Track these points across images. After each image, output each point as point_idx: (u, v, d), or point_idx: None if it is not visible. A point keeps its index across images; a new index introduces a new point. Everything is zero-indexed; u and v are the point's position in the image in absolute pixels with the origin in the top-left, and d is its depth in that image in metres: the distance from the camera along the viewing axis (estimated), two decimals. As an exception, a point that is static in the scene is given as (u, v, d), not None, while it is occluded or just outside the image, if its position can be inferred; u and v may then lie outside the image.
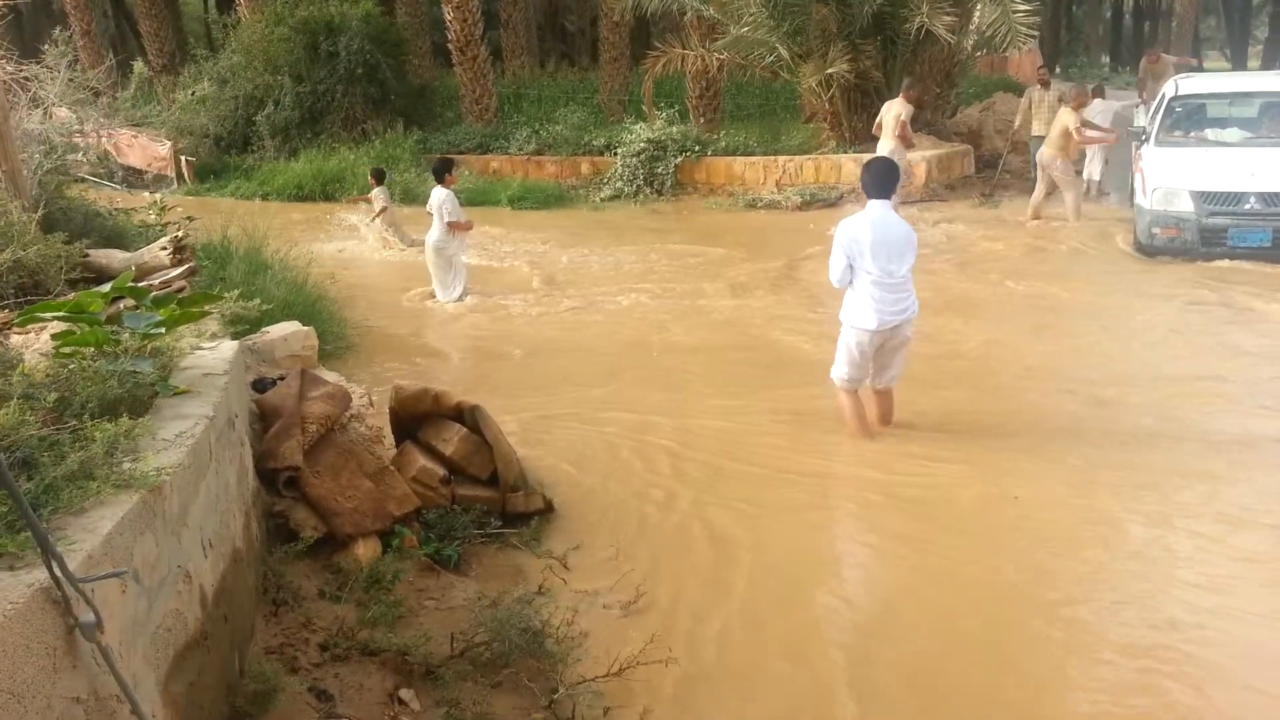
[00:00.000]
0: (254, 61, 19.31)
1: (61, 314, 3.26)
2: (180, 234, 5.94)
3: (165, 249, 5.64)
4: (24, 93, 8.43)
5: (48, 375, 2.78)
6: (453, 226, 9.17)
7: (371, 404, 4.81)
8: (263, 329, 5.13)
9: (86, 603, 1.91)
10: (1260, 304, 8.20)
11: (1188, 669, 3.44)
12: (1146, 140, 11.04)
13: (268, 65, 19.10)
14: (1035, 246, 10.95)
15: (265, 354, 4.93)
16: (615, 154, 16.36)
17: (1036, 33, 14.93)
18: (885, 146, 12.35)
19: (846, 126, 15.70)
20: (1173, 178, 10.00)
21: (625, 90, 21.20)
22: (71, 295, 4.00)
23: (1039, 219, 12.14)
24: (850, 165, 14.68)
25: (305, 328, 5.24)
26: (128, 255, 5.76)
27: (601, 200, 15.69)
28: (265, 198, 16.70)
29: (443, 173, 9.42)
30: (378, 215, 11.96)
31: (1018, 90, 18.40)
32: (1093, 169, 13.64)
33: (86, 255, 5.33)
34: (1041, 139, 13.63)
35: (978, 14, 15.53)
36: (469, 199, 11.38)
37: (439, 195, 9.25)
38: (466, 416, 4.66)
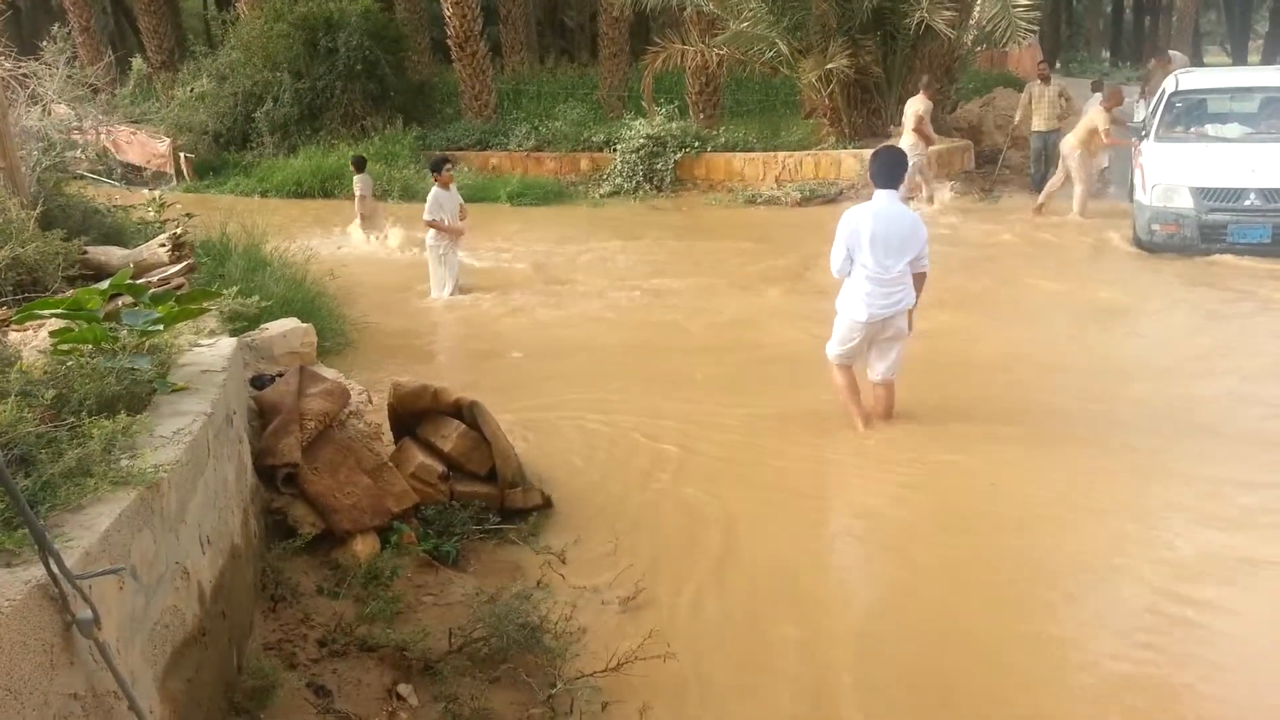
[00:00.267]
0: (253, 58, 19.29)
1: (59, 311, 3.26)
2: (179, 231, 5.93)
3: (164, 246, 5.63)
4: (23, 89, 8.42)
5: (46, 372, 2.78)
6: (429, 225, 9.23)
7: (370, 401, 4.82)
8: (261, 326, 5.13)
9: (84, 599, 1.91)
10: (1259, 300, 8.19)
11: (1185, 666, 3.44)
12: (1146, 136, 11.03)
13: (267, 62, 19.08)
14: (1035, 241, 10.96)
15: (264, 351, 4.92)
16: (615, 150, 16.35)
17: (1036, 28, 14.92)
18: (906, 142, 12.51)
19: (846, 122, 15.69)
20: (1172, 174, 9.99)
21: (625, 86, 21.18)
22: (70, 292, 4.00)
23: (1041, 213, 12.12)
24: (850, 161, 14.68)
25: (304, 325, 5.24)
26: (126, 252, 5.76)
27: (601, 196, 15.69)
28: (264, 194, 16.70)
29: (434, 170, 9.51)
30: (360, 209, 12.09)
31: (1018, 85, 18.39)
32: (1101, 156, 13.61)
33: (85, 252, 5.33)
34: (1042, 134, 13.67)
35: (978, 9, 15.52)
36: (468, 195, 11.35)
37: (430, 194, 9.42)
38: (465, 413, 4.66)
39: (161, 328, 3.26)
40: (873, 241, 5.37)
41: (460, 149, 17.89)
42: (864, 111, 15.91)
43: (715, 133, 16.50)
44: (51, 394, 2.57)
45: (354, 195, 12.23)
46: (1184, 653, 3.52)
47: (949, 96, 17.51)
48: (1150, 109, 11.66)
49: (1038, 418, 5.78)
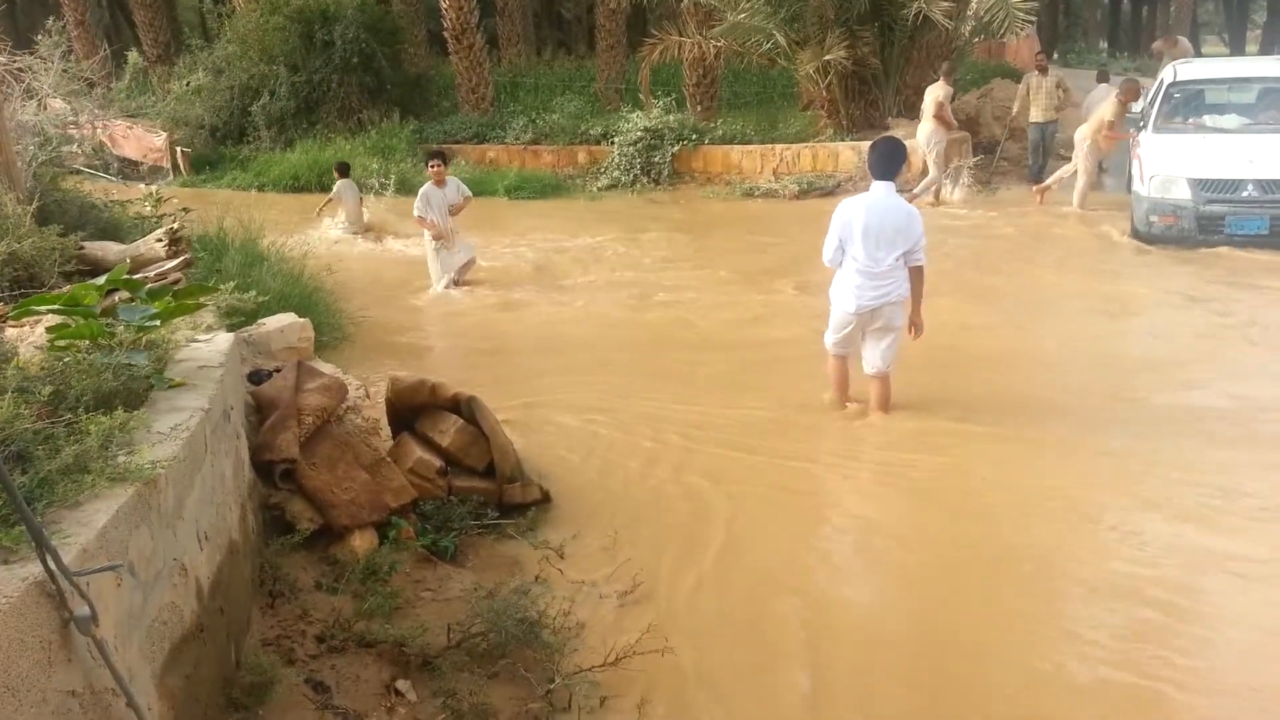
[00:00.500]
0: (249, 51, 19.22)
1: (56, 307, 3.26)
2: (175, 226, 5.92)
3: (160, 241, 5.62)
4: (18, 84, 8.40)
5: (42, 368, 2.78)
6: (419, 223, 9.28)
7: (368, 396, 4.81)
8: (259, 321, 5.12)
9: (81, 596, 1.91)
10: (1255, 294, 8.18)
11: (1171, 667, 3.45)
12: (1144, 127, 11.01)
13: (263, 55, 19.01)
14: (1033, 233, 10.95)
15: (261, 346, 4.92)
16: (612, 143, 16.31)
17: (1034, 18, 14.88)
18: (924, 129, 12.68)
19: (844, 114, 15.66)
20: (1170, 165, 9.97)
21: (622, 79, 21.12)
22: (66, 288, 4.00)
23: (1043, 200, 12.08)
24: (847, 153, 14.65)
25: (301, 320, 5.23)
26: (123, 247, 5.74)
27: (598, 190, 15.66)
28: (261, 189, 16.64)
29: (425, 164, 9.53)
30: (323, 205, 12.20)
31: (1015, 76, 18.33)
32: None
33: (81, 248, 5.32)
34: (1039, 125, 13.64)
35: (975, 0, 15.47)
36: (467, 189, 11.32)
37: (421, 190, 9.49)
38: (463, 408, 4.66)
39: (158, 323, 3.26)
40: (865, 234, 5.38)
41: (457, 142, 17.83)
42: (861, 103, 15.87)
43: (713, 125, 16.46)
44: (48, 390, 2.57)
45: (340, 199, 12.18)
46: (1170, 654, 3.49)
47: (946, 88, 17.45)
48: (1148, 100, 11.63)
49: (1034, 413, 5.77)
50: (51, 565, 1.84)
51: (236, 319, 4.84)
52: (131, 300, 3.45)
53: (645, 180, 15.69)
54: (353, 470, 3.98)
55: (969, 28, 16.19)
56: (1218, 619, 3.70)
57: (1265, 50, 28.12)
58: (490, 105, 20.09)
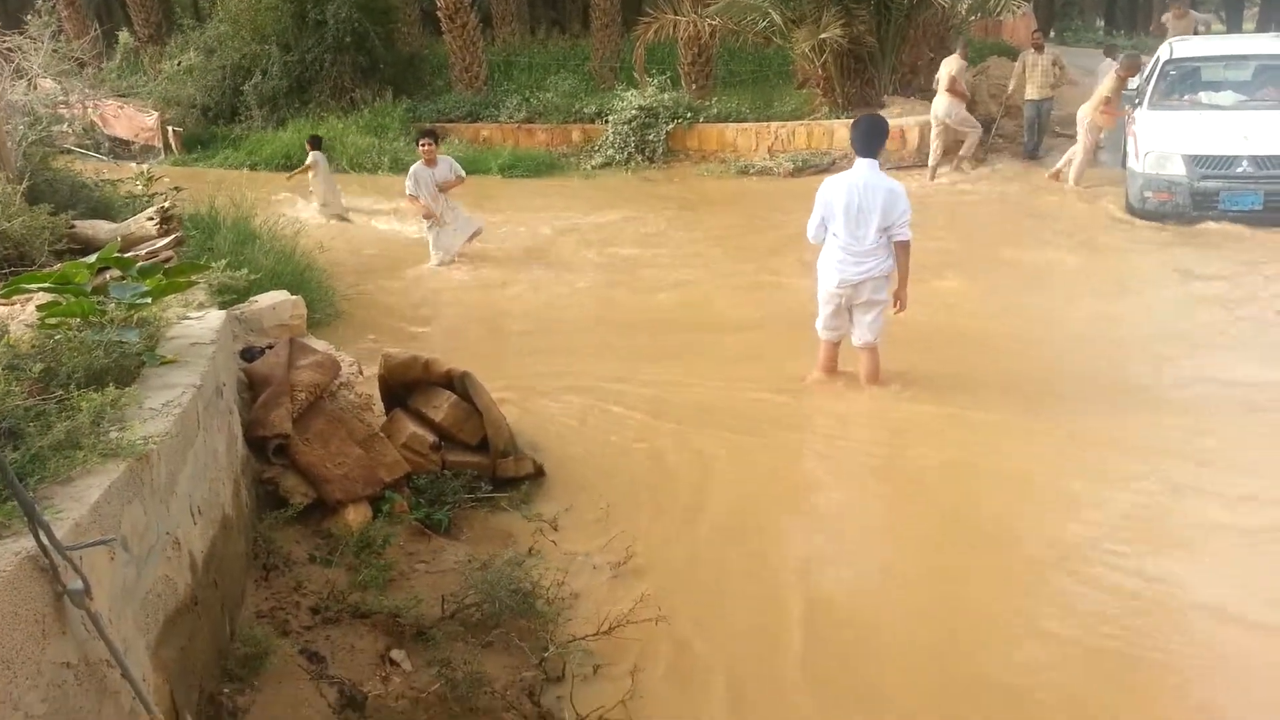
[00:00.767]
0: (241, 31, 19.10)
1: (47, 285, 3.25)
2: (167, 204, 5.91)
3: (152, 219, 5.62)
4: (8, 64, 8.36)
5: (33, 346, 2.78)
6: (411, 201, 9.34)
7: (361, 372, 4.82)
8: (251, 298, 5.12)
9: (74, 570, 1.92)
10: (1247, 270, 8.19)
11: (1147, 639, 3.48)
12: (1140, 103, 10.99)
13: (255, 34, 18.89)
14: (1029, 209, 10.95)
15: (253, 323, 4.92)
16: (606, 121, 16.24)
17: (1030, -4, 14.83)
18: (941, 102, 12.78)
19: (839, 92, 15.59)
20: (1165, 141, 9.97)
21: (617, 57, 21.00)
22: (57, 266, 4.00)
23: (1058, 178, 12.07)
24: (843, 131, 14.58)
25: (293, 297, 5.23)
26: (114, 226, 5.74)
27: (593, 168, 15.61)
28: (253, 168, 16.57)
29: (416, 143, 9.52)
30: (297, 173, 12.18)
31: (1012, 54, 18.25)
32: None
33: (73, 226, 5.31)
34: (1035, 103, 13.60)
35: (973, -24, 15.41)
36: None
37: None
38: (456, 383, 4.67)
39: (150, 301, 3.25)
40: (846, 211, 5.42)
41: (451, 121, 17.75)
42: (857, 82, 15.79)
43: (708, 103, 16.38)
44: (39, 367, 2.57)
45: (312, 173, 12.10)
46: (1146, 626, 3.52)
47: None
48: (1144, 77, 11.60)
49: (1018, 390, 5.79)
50: (44, 540, 1.85)
51: (228, 297, 4.84)
52: (123, 278, 3.44)
53: (640, 158, 15.64)
54: (346, 445, 3.99)
55: (966, 6, 16.11)
56: (1188, 589, 3.73)
57: (1262, 28, 27.99)
58: (484, 84, 19.98)
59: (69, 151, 8.53)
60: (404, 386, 4.69)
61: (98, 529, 2.07)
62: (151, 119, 18.22)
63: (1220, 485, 4.49)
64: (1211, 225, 9.47)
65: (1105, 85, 11.69)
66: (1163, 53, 11.61)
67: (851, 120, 5.81)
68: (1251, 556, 3.91)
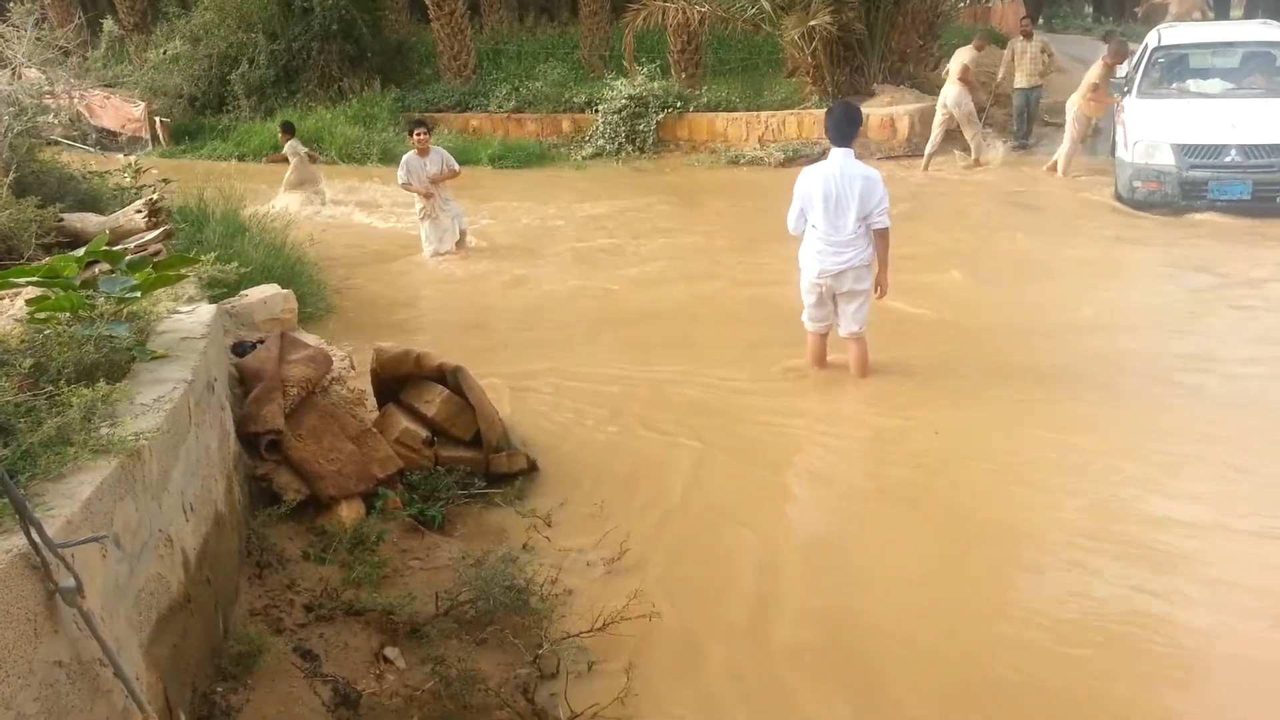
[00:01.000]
0: (227, 19, 18.98)
1: (35, 279, 3.22)
2: (155, 197, 5.87)
3: (140, 212, 5.58)
4: (-9, 53, 8.26)
5: (22, 341, 2.76)
6: (405, 189, 9.33)
7: (353, 367, 4.80)
8: (241, 292, 5.09)
9: (66, 568, 1.91)
10: (1233, 258, 8.22)
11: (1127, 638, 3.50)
12: (1128, 92, 10.99)
13: (241, 23, 18.78)
14: (1018, 199, 10.96)
15: (244, 317, 4.89)
16: (596, 111, 16.20)
17: (1019, -17, 14.81)
18: (951, 91, 12.80)
19: (829, 80, 15.56)
20: (1154, 130, 9.98)
21: (606, 45, 20.92)
22: (45, 260, 3.96)
23: (1054, 170, 12.07)
24: (832, 120, 14.57)
25: (284, 290, 5.20)
26: (102, 219, 5.69)
27: (583, 159, 15.57)
28: (242, 158, 16.50)
29: (409, 133, 9.50)
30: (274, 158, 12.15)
31: (1001, 41, 18.27)
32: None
33: (60, 220, 5.27)
34: (1024, 90, 13.61)
35: (961, -36, 15.41)
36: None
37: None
38: (449, 378, 4.65)
39: (139, 295, 3.23)
40: (825, 202, 5.43)
41: (440, 111, 17.68)
42: (847, 70, 15.77)
43: (697, 92, 16.35)
44: (29, 363, 2.55)
45: (289, 160, 12.07)
46: (1126, 621, 3.52)
47: (931, 53, 17.38)
48: (1132, 65, 11.61)
49: (1013, 380, 5.79)
50: (35, 537, 1.83)
51: (219, 290, 4.81)
52: (112, 272, 3.41)
53: (630, 149, 15.60)
54: (339, 441, 3.98)
55: (955, -8, 16.12)
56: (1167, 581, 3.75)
57: (1249, 14, 28.04)
58: (472, 73, 19.90)
59: (56, 143, 8.45)
60: (396, 381, 4.68)
61: (89, 526, 2.06)
62: (138, 109, 18.11)
63: (1207, 479, 4.50)
64: (1200, 215, 9.49)
65: (1092, 72, 11.70)
66: (1151, 40, 11.62)
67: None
68: (1246, 553, 3.92)
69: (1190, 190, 9.61)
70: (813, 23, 14.34)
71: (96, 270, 3.62)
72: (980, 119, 14.41)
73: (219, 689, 2.65)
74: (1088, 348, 6.27)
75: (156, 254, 4.88)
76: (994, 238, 9.37)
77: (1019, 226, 9.74)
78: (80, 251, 3.52)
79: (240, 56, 18.64)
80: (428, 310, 8.03)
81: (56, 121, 8.59)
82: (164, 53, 19.19)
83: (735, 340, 6.70)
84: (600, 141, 15.80)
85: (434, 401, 4.54)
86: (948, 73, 13.39)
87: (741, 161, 14.43)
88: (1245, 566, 3.78)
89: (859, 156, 5.65)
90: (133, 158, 9.31)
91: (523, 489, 4.52)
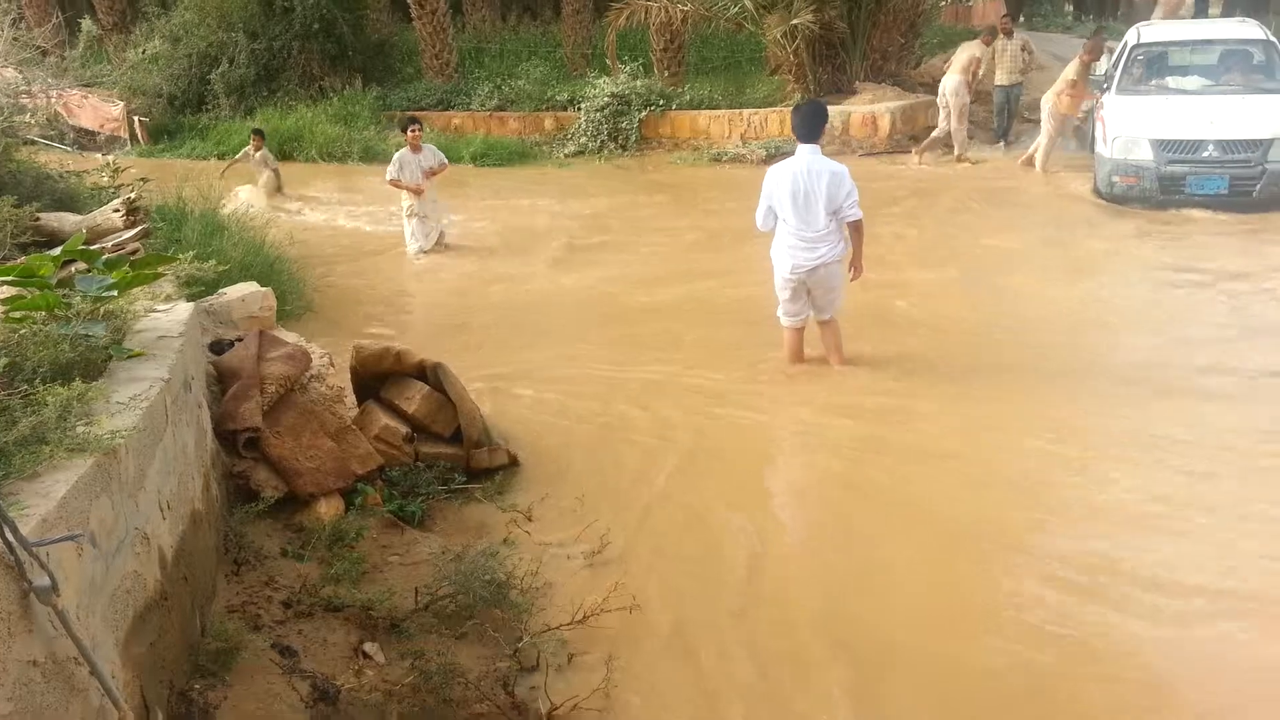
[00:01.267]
0: (207, 18, 18.84)
1: (11, 278, 3.21)
2: (133, 196, 5.84)
3: (118, 211, 5.56)
4: (-33, 52, 8.20)
5: (-2, 340, 2.75)
6: (393, 184, 9.31)
7: (332, 364, 4.79)
8: (219, 290, 5.08)
9: (41, 567, 1.90)
10: (1210, 254, 8.30)
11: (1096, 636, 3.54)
12: (1108, 88, 11.07)
13: (221, 22, 18.65)
14: (997, 196, 11.00)
15: (222, 315, 4.87)
16: (579, 109, 16.18)
17: (1000, -19, 14.89)
18: (951, 80, 12.91)
19: (811, 78, 15.61)
20: (1132, 126, 10.05)
21: (588, 44, 20.91)
22: (21, 259, 3.94)
23: (1030, 164, 12.14)
24: (815, 117, 14.61)
25: (263, 288, 5.18)
26: (79, 218, 5.67)
27: (566, 156, 15.56)
28: (221, 158, 16.31)
29: (400, 130, 9.53)
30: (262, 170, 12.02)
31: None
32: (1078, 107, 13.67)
33: (37, 219, 5.24)
34: (1004, 88, 13.68)
35: (941, -38, 15.48)
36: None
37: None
38: (429, 374, 4.65)
39: (116, 293, 3.22)
40: (794, 199, 5.48)
41: (422, 109, 17.61)
42: (829, 68, 15.83)
43: (680, 90, 16.35)
44: (4, 362, 2.55)
45: (262, 165, 12.13)
46: (1094, 617, 3.55)
47: (913, 51, 17.45)
48: (1112, 62, 11.69)
49: (990, 374, 5.86)
50: (10, 536, 1.83)
51: (196, 289, 4.80)
52: (88, 271, 3.40)
53: (613, 146, 15.60)
54: (318, 438, 3.97)
55: (936, -10, 16.20)
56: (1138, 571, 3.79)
57: (1228, 12, 28.25)
58: (454, 71, 19.84)
59: (33, 142, 8.40)
60: (376, 378, 4.67)
61: (65, 525, 2.05)
62: (117, 109, 17.98)
63: (1171, 470, 4.55)
64: (1178, 210, 9.57)
65: (1070, 69, 11.79)
66: (1130, 37, 11.71)
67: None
68: (1219, 540, 3.96)
69: (1168, 185, 9.68)
70: (795, 21, 14.39)
71: (73, 269, 3.61)
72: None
73: (196, 686, 2.65)
74: (1063, 343, 6.32)
75: (134, 253, 4.86)
76: (974, 233, 9.42)
77: (999, 222, 9.80)
78: (57, 251, 3.50)
79: (220, 55, 18.52)
80: (409, 308, 8.02)
81: (33, 121, 8.55)
82: (143, 52, 19.07)
83: (717, 337, 6.72)
84: (583, 139, 15.79)
85: (414, 398, 4.54)
86: (949, 64, 13.45)
87: (724, 159, 14.45)
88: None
89: (841, 154, 5.71)
90: (111, 157, 9.27)
91: (503, 484, 4.53)
